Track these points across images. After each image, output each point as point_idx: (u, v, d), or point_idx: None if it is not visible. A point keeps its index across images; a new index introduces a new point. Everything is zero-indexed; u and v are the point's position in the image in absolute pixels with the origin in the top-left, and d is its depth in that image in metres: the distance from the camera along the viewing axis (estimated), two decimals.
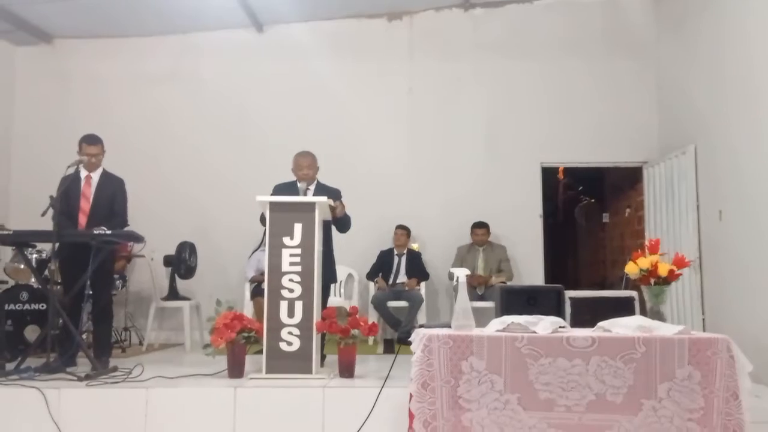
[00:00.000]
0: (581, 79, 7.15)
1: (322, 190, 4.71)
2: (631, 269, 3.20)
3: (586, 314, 3.48)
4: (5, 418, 3.70)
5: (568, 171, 10.10)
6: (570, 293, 3.62)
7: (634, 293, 3.76)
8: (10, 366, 4.28)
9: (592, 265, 10.80)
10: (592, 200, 10.88)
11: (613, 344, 2.72)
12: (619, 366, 2.70)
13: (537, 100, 7.19)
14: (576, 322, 3.34)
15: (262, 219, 4.65)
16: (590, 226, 10.95)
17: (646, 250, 3.23)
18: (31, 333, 5.26)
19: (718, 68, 5.56)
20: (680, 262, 3.23)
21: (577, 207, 11.66)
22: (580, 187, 11.29)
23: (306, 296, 4.10)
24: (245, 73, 7.30)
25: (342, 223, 4.66)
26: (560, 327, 2.90)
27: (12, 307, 5.32)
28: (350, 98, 7.22)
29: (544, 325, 2.82)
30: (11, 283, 5.79)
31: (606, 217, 9.67)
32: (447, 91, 7.26)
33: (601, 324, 2.92)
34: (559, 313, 3.29)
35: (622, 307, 3.58)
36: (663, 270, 3.14)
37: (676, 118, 6.53)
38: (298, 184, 4.62)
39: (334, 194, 4.61)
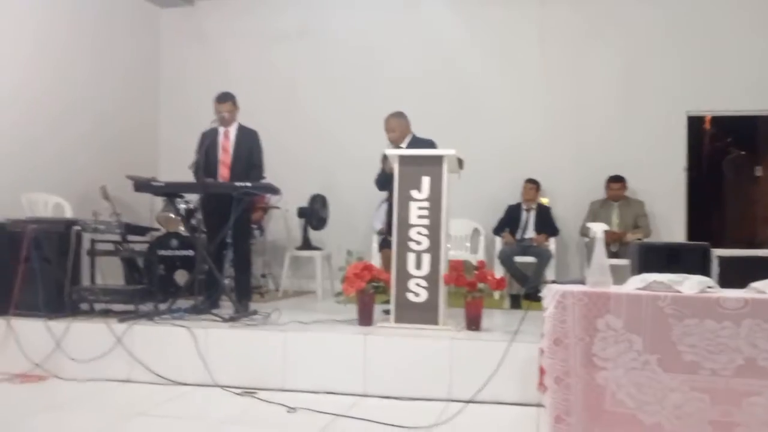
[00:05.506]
0: (732, 16, 6.47)
1: (414, 143, 4.76)
2: None
3: (735, 275, 3.22)
4: (159, 353, 4.08)
5: (714, 120, 9.33)
6: (718, 252, 3.36)
7: None
8: (162, 306, 4.64)
9: (740, 222, 10.01)
10: (742, 152, 10.02)
11: None
12: None
13: (682, 42, 6.61)
14: (724, 283, 3.09)
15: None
16: (739, 180, 10.13)
17: None
18: (181, 277, 5.67)
19: None
20: None
21: (725, 159, 10.81)
22: (729, 138, 10.42)
23: (433, 249, 4.11)
24: (372, 26, 7.26)
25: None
26: (708, 287, 2.70)
27: (164, 252, 5.77)
28: (478, 47, 7.00)
29: (690, 284, 2.64)
30: (163, 230, 6.28)
31: (759, 171, 8.88)
32: (581, 35, 6.84)
33: (754, 285, 2.69)
34: (705, 272, 3.06)
35: None
36: None
37: None
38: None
39: (425, 145, 4.61)
